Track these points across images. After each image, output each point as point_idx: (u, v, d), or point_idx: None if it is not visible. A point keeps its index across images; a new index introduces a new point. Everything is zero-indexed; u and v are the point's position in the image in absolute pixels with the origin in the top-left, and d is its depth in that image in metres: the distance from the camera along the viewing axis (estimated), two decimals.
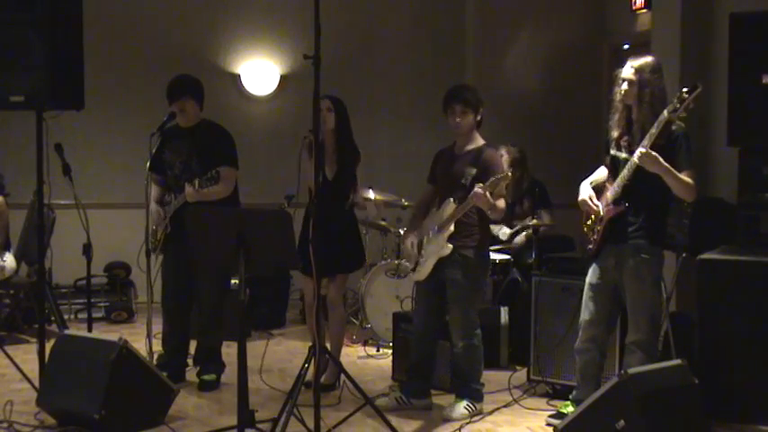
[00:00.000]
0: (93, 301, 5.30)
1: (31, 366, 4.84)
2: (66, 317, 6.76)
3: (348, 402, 4.73)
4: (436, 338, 4.90)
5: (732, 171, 4.99)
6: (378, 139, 7.83)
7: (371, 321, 6.30)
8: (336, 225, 4.93)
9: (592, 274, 4.38)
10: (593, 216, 4.33)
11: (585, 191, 4.39)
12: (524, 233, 6.25)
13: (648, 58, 4.22)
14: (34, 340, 5.36)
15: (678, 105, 3.97)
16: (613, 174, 4.30)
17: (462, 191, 4.58)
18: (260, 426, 4.08)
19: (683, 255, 4.93)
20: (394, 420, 4.36)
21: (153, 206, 5.19)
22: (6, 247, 6.34)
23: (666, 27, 6.02)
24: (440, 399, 4.93)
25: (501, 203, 4.57)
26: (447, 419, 4.60)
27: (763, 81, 4.66)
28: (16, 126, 6.46)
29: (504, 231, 6.30)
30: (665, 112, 4.01)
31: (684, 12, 5.86)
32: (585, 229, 4.37)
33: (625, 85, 4.20)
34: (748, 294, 4.37)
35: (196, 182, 4.83)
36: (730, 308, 4.40)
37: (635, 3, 7.38)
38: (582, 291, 4.44)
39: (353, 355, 6.05)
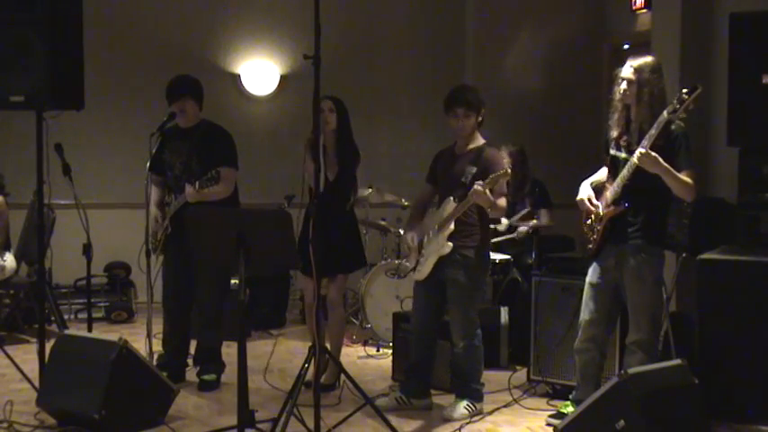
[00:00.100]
0: (93, 301, 5.30)
1: (31, 366, 4.84)
2: (66, 317, 6.76)
3: (348, 402, 4.73)
4: (435, 338, 4.89)
5: (732, 171, 4.99)
6: (378, 139, 7.84)
7: (371, 321, 6.30)
8: (337, 225, 4.93)
9: (592, 274, 4.38)
10: (592, 216, 4.33)
11: (585, 191, 4.39)
12: (527, 227, 6.23)
13: (648, 58, 4.23)
14: (34, 340, 5.36)
15: (678, 106, 3.97)
16: (613, 174, 4.30)
17: (463, 189, 4.58)
18: (260, 426, 4.08)
19: (683, 255, 4.93)
20: (394, 420, 4.36)
21: (152, 210, 5.19)
22: (6, 247, 6.34)
23: (666, 27, 6.02)
24: (440, 399, 4.93)
25: (502, 202, 4.57)
26: (447, 419, 4.60)
27: (763, 81, 4.66)
28: (16, 126, 6.47)
29: (504, 222, 6.26)
30: (665, 113, 4.01)
31: (684, 12, 5.86)
32: (585, 228, 4.37)
33: (624, 85, 4.20)
34: (748, 294, 4.37)
35: (196, 182, 4.83)
36: (730, 308, 4.40)
37: (635, 3, 7.38)
38: (582, 291, 4.44)
39: (353, 355, 6.05)
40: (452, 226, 4.58)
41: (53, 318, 6.18)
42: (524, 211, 6.30)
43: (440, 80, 7.36)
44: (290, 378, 4.81)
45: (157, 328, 5.25)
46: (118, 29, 7.49)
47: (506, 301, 5.85)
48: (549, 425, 4.47)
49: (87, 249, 4.85)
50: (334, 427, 4.36)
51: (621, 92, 4.22)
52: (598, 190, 4.38)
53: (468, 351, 4.68)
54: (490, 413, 4.73)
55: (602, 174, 4.46)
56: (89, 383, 4.21)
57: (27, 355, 5.34)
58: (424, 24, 8.15)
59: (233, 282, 5.51)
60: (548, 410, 4.71)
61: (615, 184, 4.22)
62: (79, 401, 4.22)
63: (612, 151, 4.32)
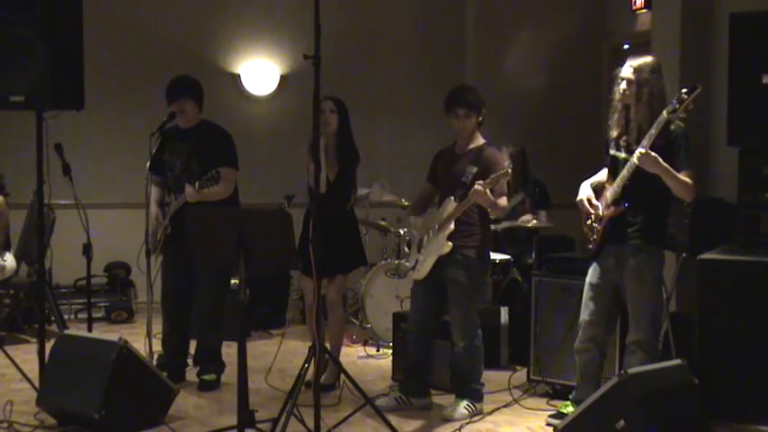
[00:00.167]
0: (93, 301, 5.30)
1: (31, 366, 4.84)
2: (66, 317, 6.76)
3: (348, 402, 4.73)
4: (432, 338, 4.89)
5: (732, 171, 4.99)
6: (378, 139, 7.84)
7: (371, 321, 6.30)
8: (337, 226, 4.93)
9: (592, 274, 4.38)
10: (592, 216, 4.33)
11: (584, 191, 4.39)
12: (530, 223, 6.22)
13: (648, 58, 4.23)
14: (34, 340, 5.36)
15: (677, 106, 3.97)
16: (613, 174, 4.30)
17: (463, 189, 4.58)
18: (260, 426, 4.08)
19: (683, 255, 4.93)
20: (394, 420, 4.36)
21: (153, 208, 5.19)
22: (6, 247, 6.34)
23: (666, 27, 6.02)
24: (440, 399, 4.93)
25: (503, 201, 4.57)
26: (447, 419, 4.60)
27: (763, 81, 4.66)
28: (16, 126, 6.47)
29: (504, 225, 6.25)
30: (665, 113, 4.01)
31: (684, 12, 5.86)
32: (585, 229, 4.37)
33: (624, 85, 4.20)
34: (748, 294, 4.36)
35: (196, 183, 4.83)
36: (730, 308, 4.40)
37: (635, 3, 7.38)
38: (582, 291, 4.44)
39: (353, 355, 6.05)
40: (452, 225, 4.58)
41: (53, 318, 6.18)
42: (518, 197, 6.27)
43: (440, 80, 7.36)
44: (290, 378, 4.81)
45: (157, 328, 5.26)
46: (118, 29, 7.49)
47: (506, 301, 5.85)
48: (549, 425, 4.47)
49: (87, 249, 4.85)
50: (334, 427, 4.36)
51: (621, 92, 4.22)
52: (598, 190, 4.38)
53: (469, 351, 4.68)
54: (490, 413, 4.73)
55: (603, 175, 4.45)
56: (89, 383, 4.21)
57: (27, 355, 5.34)
58: (424, 24, 8.15)
59: (233, 282, 5.50)
60: (548, 410, 4.71)
61: (615, 184, 4.22)
62: (79, 401, 4.22)
63: (612, 151, 4.32)
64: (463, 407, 4.66)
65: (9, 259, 6.27)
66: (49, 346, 4.58)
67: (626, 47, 7.59)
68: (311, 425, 3.92)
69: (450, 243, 4.57)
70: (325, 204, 4.29)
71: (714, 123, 5.63)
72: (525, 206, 6.41)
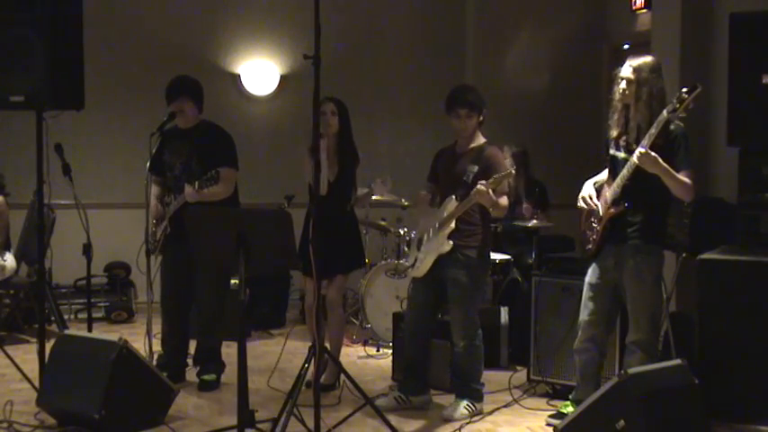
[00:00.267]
0: (93, 301, 5.30)
1: (31, 366, 4.84)
2: (66, 317, 6.75)
3: (348, 402, 4.73)
4: (428, 336, 4.89)
5: (732, 171, 4.99)
6: (378, 139, 7.84)
7: (371, 321, 6.30)
8: (337, 226, 4.92)
9: (591, 274, 4.37)
10: (592, 216, 4.33)
11: (586, 189, 4.40)
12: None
13: (647, 58, 4.23)
14: (34, 340, 5.36)
15: (677, 105, 3.97)
16: (612, 173, 4.30)
17: (464, 188, 4.58)
18: (260, 426, 4.08)
19: (683, 255, 4.93)
20: (394, 420, 4.36)
21: (153, 203, 5.19)
22: (6, 247, 6.34)
23: (666, 27, 6.02)
24: (440, 399, 4.93)
25: (504, 201, 4.57)
26: (447, 419, 4.60)
27: (763, 81, 4.66)
28: (16, 126, 6.46)
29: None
30: (665, 112, 4.01)
31: (684, 12, 5.86)
32: (585, 228, 4.37)
33: (623, 85, 4.20)
34: (748, 294, 4.36)
35: (196, 183, 4.83)
36: (730, 308, 4.40)
37: (635, 3, 7.38)
38: (582, 291, 4.44)
39: (353, 355, 6.05)
40: (453, 224, 4.58)
41: (53, 318, 6.18)
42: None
43: (440, 80, 7.36)
44: (290, 378, 4.81)
45: (157, 328, 5.26)
46: (118, 29, 7.49)
47: (506, 301, 5.85)
48: (549, 425, 4.47)
49: (87, 249, 4.85)
50: (334, 427, 4.36)
51: (621, 91, 4.22)
52: (597, 190, 4.38)
53: (469, 351, 4.68)
54: (490, 413, 4.73)
55: (605, 175, 4.45)
56: (89, 383, 4.21)
57: (27, 355, 5.34)
58: (424, 24, 8.15)
59: (233, 282, 5.50)
60: (548, 410, 4.71)
61: (615, 184, 4.22)
62: (79, 401, 4.22)
63: (612, 151, 4.32)
64: (463, 407, 4.65)
65: (9, 259, 6.27)
66: (49, 346, 4.58)
67: (626, 47, 7.59)
68: (311, 425, 3.92)
69: (451, 242, 4.57)
70: (325, 205, 4.30)
71: (714, 123, 5.63)
72: (525, 207, 6.40)
